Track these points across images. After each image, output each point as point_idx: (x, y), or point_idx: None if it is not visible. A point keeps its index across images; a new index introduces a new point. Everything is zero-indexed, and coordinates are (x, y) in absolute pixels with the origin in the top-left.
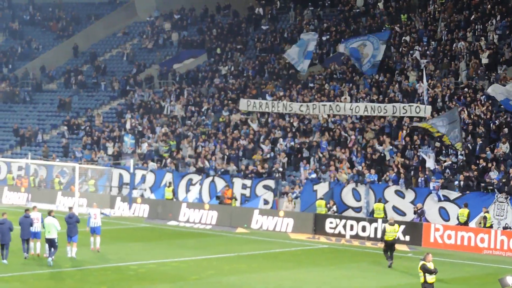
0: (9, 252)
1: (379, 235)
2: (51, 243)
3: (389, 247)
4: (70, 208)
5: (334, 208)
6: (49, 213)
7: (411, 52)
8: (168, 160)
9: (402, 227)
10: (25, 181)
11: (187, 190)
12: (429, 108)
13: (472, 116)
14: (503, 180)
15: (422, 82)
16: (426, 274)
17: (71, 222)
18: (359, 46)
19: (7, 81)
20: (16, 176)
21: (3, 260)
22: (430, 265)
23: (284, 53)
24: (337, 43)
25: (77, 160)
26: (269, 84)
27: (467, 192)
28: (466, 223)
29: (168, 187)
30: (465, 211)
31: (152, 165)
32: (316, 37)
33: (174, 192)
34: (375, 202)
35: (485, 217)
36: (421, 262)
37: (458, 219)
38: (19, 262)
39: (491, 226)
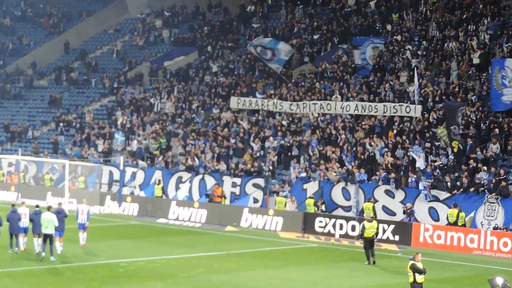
0: None
1: None
2: (49, 238)
3: (369, 243)
4: (59, 204)
5: (323, 207)
6: (48, 208)
7: (402, 51)
8: (159, 158)
9: (392, 226)
10: (15, 177)
11: (177, 188)
12: (419, 107)
13: (463, 117)
14: (493, 181)
15: (413, 82)
16: (416, 274)
17: (60, 217)
18: (374, 49)
19: None
20: (6, 172)
21: None
22: (419, 265)
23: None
24: (328, 42)
25: (67, 157)
26: (259, 82)
27: (457, 192)
28: (455, 223)
29: (158, 184)
30: (455, 211)
31: (142, 163)
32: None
33: (164, 190)
34: (365, 202)
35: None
36: (411, 262)
37: (447, 219)
38: (7, 257)
39: (463, 225)
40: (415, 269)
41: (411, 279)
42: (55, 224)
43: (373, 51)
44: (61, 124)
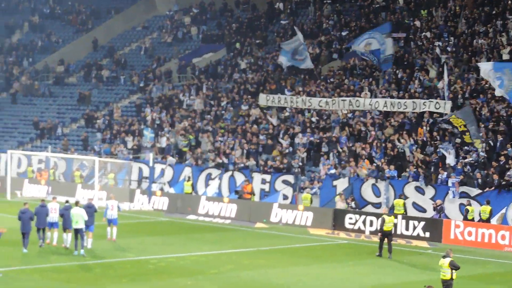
0: (28, 242)
1: (399, 231)
2: (79, 233)
3: (387, 236)
4: (90, 199)
5: (353, 204)
6: (76, 203)
7: (431, 47)
8: (188, 155)
9: (422, 223)
10: (45, 174)
11: (206, 185)
12: (449, 104)
13: (493, 113)
14: None
15: (443, 78)
16: (453, 271)
17: (89, 212)
18: (365, 47)
19: (27, 75)
20: (36, 169)
21: (23, 249)
22: None
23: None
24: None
25: (96, 154)
26: (288, 79)
27: (487, 189)
28: (488, 220)
29: (187, 181)
30: (487, 208)
31: (171, 160)
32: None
33: (193, 186)
34: (395, 198)
35: (466, 210)
36: (449, 259)
37: (480, 215)
38: (37, 253)
39: (473, 219)
40: (454, 266)
41: (447, 276)
42: (85, 218)
43: (392, 48)
44: (89, 121)
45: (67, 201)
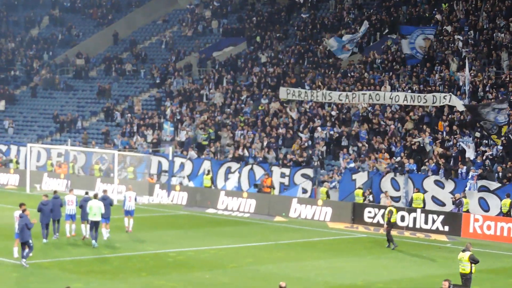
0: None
1: (418, 225)
2: (96, 225)
3: (392, 227)
4: (105, 191)
5: (370, 197)
6: (95, 196)
7: (451, 41)
8: (208, 149)
9: (441, 217)
10: (64, 167)
11: (226, 178)
12: (469, 98)
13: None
14: None
15: (463, 72)
16: (473, 264)
17: (105, 203)
18: (425, 40)
19: (47, 68)
20: (55, 162)
21: (43, 240)
22: None
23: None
24: (377, 32)
25: (116, 147)
26: (308, 73)
27: (507, 182)
28: (508, 213)
29: (207, 175)
30: (508, 201)
31: (192, 153)
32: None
33: (213, 180)
34: (414, 192)
35: (461, 202)
36: (469, 253)
37: (501, 209)
38: (55, 246)
39: (467, 211)
40: (474, 260)
41: (467, 270)
42: (102, 211)
43: (424, 42)
44: (109, 115)
45: (86, 193)
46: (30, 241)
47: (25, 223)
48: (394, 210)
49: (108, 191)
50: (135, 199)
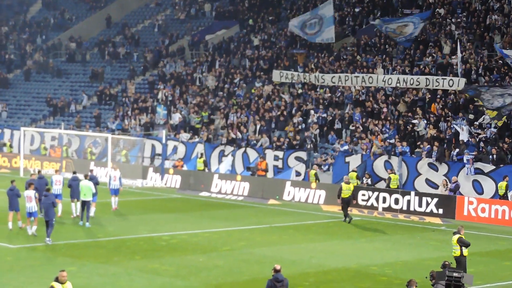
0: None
1: (412, 208)
2: (87, 205)
3: (346, 203)
4: (91, 171)
5: (369, 181)
6: (85, 176)
7: (444, 23)
8: (201, 132)
9: (435, 200)
10: (58, 150)
11: (219, 162)
12: (462, 80)
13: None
14: None
15: (456, 55)
16: (462, 247)
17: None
18: (398, 27)
19: (40, 52)
20: (49, 146)
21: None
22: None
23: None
24: (370, 15)
25: (110, 131)
26: (301, 55)
27: (501, 165)
28: (504, 196)
29: (200, 158)
30: (504, 183)
31: (184, 135)
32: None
33: (206, 163)
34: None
35: (389, 178)
36: (457, 235)
37: (497, 191)
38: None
39: (397, 188)
40: (462, 243)
41: (457, 253)
42: (93, 191)
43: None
44: (102, 98)
45: (74, 172)
46: (54, 220)
47: (52, 202)
48: (343, 185)
49: (94, 171)
50: (120, 179)
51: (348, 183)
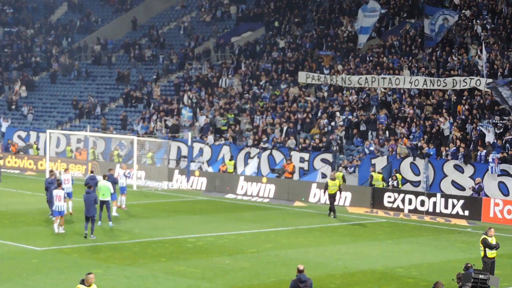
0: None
1: (438, 210)
2: (106, 204)
3: (332, 198)
4: (110, 170)
5: (395, 183)
6: (104, 177)
7: (470, 25)
8: (227, 134)
9: (461, 201)
10: (84, 153)
11: (245, 164)
12: (489, 81)
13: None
14: None
15: (482, 56)
16: (486, 249)
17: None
18: (444, 21)
19: (66, 54)
20: (75, 148)
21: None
22: (492, 240)
23: (342, 26)
24: (396, 16)
25: (135, 133)
26: (327, 57)
27: None
28: None
29: (230, 160)
30: None
31: (211, 138)
32: (377, 13)
33: (235, 166)
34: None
35: (371, 176)
36: (483, 236)
37: None
38: (74, 233)
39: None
40: (486, 244)
41: (482, 254)
42: (111, 191)
43: (444, 22)
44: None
45: (91, 172)
46: (95, 216)
47: (94, 199)
48: (329, 182)
49: (112, 169)
50: (126, 177)
51: (333, 179)
